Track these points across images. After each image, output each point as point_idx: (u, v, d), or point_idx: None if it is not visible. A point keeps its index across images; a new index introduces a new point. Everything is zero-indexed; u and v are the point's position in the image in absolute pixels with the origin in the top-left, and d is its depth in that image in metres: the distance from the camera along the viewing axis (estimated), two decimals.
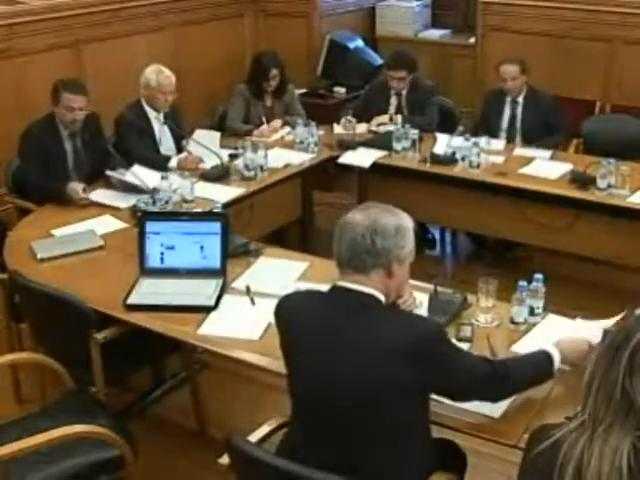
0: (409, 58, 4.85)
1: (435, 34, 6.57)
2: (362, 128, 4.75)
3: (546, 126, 4.57)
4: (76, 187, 3.69)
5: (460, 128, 4.62)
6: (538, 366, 2.15)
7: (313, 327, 1.99)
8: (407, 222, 2.00)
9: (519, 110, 4.63)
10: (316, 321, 2.00)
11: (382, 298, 1.98)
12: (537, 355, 2.17)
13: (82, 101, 3.80)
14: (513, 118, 4.65)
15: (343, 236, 1.96)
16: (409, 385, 1.88)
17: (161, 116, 4.31)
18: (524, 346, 2.47)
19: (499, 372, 2.04)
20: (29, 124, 3.85)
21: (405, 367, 1.85)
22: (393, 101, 4.90)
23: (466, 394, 2.06)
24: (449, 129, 4.62)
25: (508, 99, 4.63)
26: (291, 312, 2.08)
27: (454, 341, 2.47)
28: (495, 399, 2.10)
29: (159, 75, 4.21)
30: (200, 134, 4.44)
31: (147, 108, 4.28)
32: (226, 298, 2.82)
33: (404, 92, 4.87)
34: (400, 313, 2.12)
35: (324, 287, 2.07)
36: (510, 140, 4.62)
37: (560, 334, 2.52)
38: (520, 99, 4.62)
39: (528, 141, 4.57)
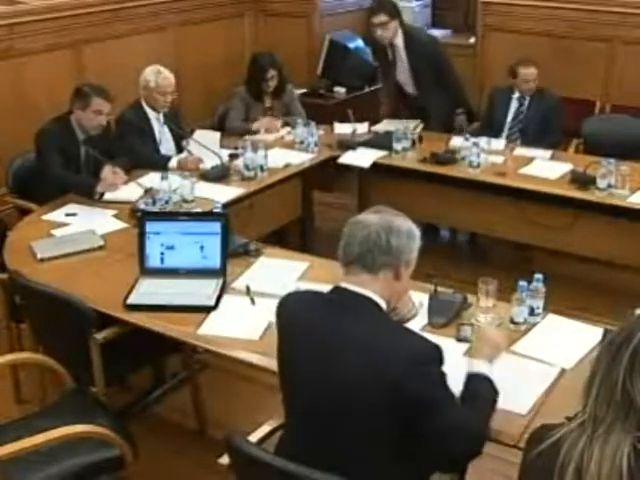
0: (387, 2, 4.75)
1: (435, 34, 6.55)
2: (363, 128, 4.76)
3: (544, 125, 4.58)
4: (107, 175, 3.75)
5: (460, 113, 4.67)
6: (489, 404, 2.02)
7: (311, 328, 1.99)
8: (416, 230, 2.03)
9: (526, 104, 4.65)
10: (315, 322, 1.99)
11: (383, 305, 1.98)
12: (485, 389, 2.03)
13: (109, 107, 3.83)
14: (520, 113, 4.66)
15: (356, 233, 1.96)
16: (397, 400, 1.85)
17: (161, 116, 4.31)
18: (524, 346, 2.47)
19: (480, 430, 1.95)
20: (44, 124, 3.83)
21: (398, 382, 1.83)
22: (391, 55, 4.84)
23: (446, 440, 1.89)
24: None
25: (515, 95, 4.66)
26: (291, 311, 2.08)
27: (454, 341, 2.48)
28: (455, 452, 1.92)
29: (158, 76, 4.21)
30: (200, 134, 4.44)
31: (147, 108, 4.28)
32: (226, 298, 2.81)
33: (398, 43, 4.73)
34: (400, 325, 2.11)
35: (324, 287, 2.07)
36: (513, 135, 4.65)
37: (559, 335, 2.54)
38: (528, 94, 4.65)
39: (526, 136, 4.59)
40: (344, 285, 1.99)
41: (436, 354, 1.91)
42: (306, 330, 2.00)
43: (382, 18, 4.62)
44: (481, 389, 2.04)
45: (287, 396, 2.07)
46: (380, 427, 1.90)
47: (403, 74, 4.87)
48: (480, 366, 2.09)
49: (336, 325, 1.94)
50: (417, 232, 2.02)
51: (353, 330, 1.92)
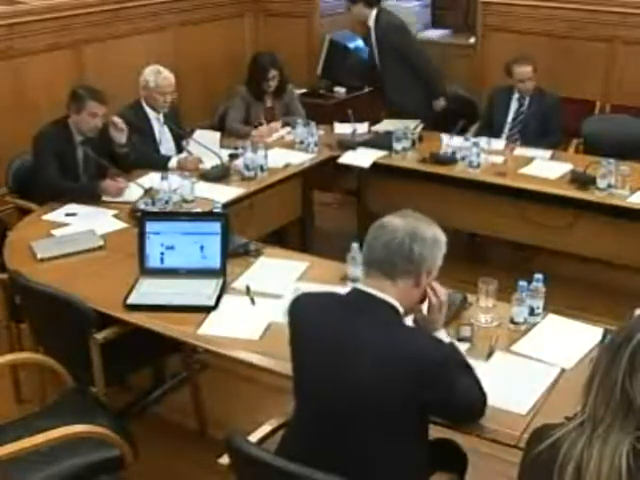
0: None
1: (435, 34, 6.56)
2: (363, 128, 4.75)
3: (544, 125, 4.58)
4: (110, 184, 3.75)
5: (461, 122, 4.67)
6: (468, 365, 2.13)
7: (326, 330, 1.98)
8: (442, 236, 2.00)
9: (526, 104, 4.64)
10: (330, 324, 1.98)
11: (400, 308, 1.97)
12: (460, 355, 2.15)
13: (105, 109, 3.83)
14: (520, 113, 4.66)
15: (379, 237, 1.94)
16: (412, 400, 1.87)
17: (161, 116, 4.31)
18: (524, 346, 2.47)
19: (485, 397, 2.07)
20: (41, 127, 3.82)
21: (411, 383, 1.84)
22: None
23: (459, 419, 2.10)
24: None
25: (515, 95, 4.66)
26: (305, 313, 2.06)
27: (454, 341, 2.48)
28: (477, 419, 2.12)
29: (158, 76, 4.21)
30: (200, 134, 4.44)
31: (147, 108, 4.28)
32: (226, 298, 2.81)
33: (370, 25, 4.94)
34: (414, 328, 2.11)
35: (323, 287, 2.07)
36: (513, 135, 4.65)
37: (559, 335, 2.54)
38: (526, 94, 4.64)
39: (525, 136, 4.59)
40: (362, 287, 1.98)
41: (450, 354, 1.94)
42: (321, 332, 1.98)
43: (347, 3, 5.05)
44: (457, 356, 2.10)
45: (299, 396, 2.06)
46: (393, 429, 1.90)
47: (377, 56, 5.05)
48: (442, 336, 2.13)
49: (351, 327, 1.93)
50: (443, 238, 1.99)
51: (368, 332, 1.91)
